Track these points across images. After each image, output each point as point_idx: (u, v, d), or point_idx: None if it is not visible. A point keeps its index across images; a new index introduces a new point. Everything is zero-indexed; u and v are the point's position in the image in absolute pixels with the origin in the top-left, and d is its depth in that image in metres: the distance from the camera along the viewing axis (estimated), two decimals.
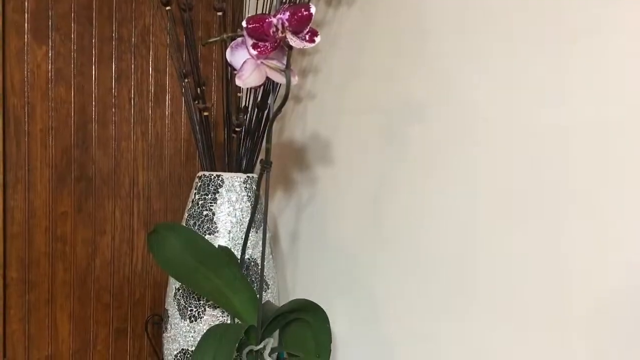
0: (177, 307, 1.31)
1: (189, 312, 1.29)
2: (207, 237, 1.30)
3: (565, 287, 1.21)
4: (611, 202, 1.16)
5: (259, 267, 1.31)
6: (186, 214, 1.35)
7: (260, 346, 1.16)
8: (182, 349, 1.30)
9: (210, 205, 1.31)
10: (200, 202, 1.32)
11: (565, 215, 1.21)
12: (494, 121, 1.31)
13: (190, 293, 1.29)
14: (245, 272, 1.30)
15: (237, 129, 1.36)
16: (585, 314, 1.19)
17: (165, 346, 1.34)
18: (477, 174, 1.33)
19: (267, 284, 1.35)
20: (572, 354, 1.21)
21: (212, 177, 1.32)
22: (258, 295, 1.17)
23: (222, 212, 1.31)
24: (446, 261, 1.38)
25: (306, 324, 1.26)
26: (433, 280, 1.40)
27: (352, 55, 1.56)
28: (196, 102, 1.37)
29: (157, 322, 1.61)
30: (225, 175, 1.33)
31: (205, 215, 1.31)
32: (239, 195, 1.32)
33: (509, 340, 1.29)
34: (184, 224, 1.34)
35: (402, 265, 1.45)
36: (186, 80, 1.39)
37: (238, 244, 1.30)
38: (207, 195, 1.32)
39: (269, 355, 1.16)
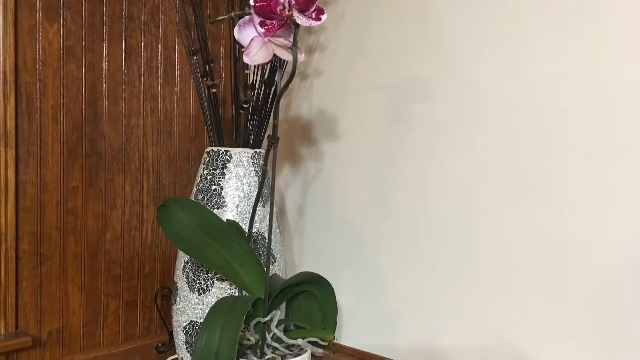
0: (186, 280, 1.33)
1: (197, 285, 1.32)
2: (215, 211, 1.31)
3: (566, 262, 1.24)
4: (610, 178, 1.18)
5: (267, 240, 1.33)
6: (195, 189, 1.37)
7: (268, 318, 1.18)
8: (191, 321, 1.32)
9: (219, 180, 1.33)
10: (209, 177, 1.34)
11: (565, 191, 1.23)
12: (496, 98, 1.32)
13: (199, 266, 1.31)
14: (253, 246, 1.32)
15: (245, 106, 1.38)
16: (585, 287, 1.21)
17: (175, 318, 1.36)
18: (479, 149, 1.35)
19: (274, 258, 1.37)
20: (572, 326, 1.24)
21: (221, 152, 1.34)
22: (265, 269, 1.19)
23: (230, 187, 1.33)
24: (450, 236, 1.40)
25: (313, 296, 1.28)
26: (436, 255, 1.43)
27: (357, 34, 1.57)
28: (205, 79, 1.39)
29: (167, 295, 1.62)
30: (234, 151, 1.35)
31: (214, 190, 1.33)
32: (246, 170, 1.34)
33: (510, 314, 1.32)
34: (193, 199, 1.36)
35: (406, 240, 1.48)
36: (195, 57, 1.40)
37: (246, 218, 1.32)
38: (216, 170, 1.33)
39: (276, 327, 1.18)
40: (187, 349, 1.33)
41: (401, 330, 1.51)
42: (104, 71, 1.49)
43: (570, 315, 1.24)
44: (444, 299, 1.42)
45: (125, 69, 1.53)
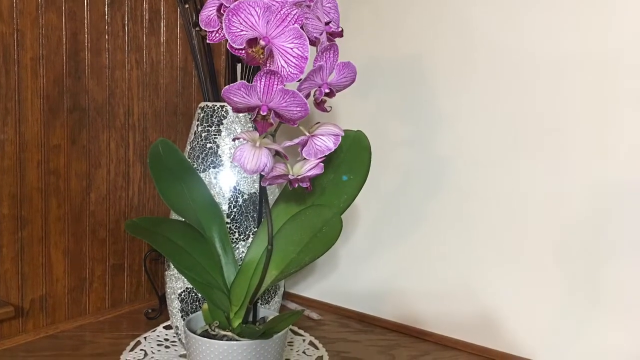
0: None
1: None
2: (211, 170, 1.24)
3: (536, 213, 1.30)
4: (610, 137, 1.20)
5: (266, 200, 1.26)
6: (188, 147, 1.29)
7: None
8: (187, 288, 1.25)
9: (215, 138, 1.25)
10: (203, 135, 1.26)
11: (566, 151, 1.26)
12: (496, 49, 1.33)
13: None
14: (251, 206, 1.26)
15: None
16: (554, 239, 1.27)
17: (168, 284, 1.29)
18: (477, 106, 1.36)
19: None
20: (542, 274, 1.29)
21: (216, 108, 1.26)
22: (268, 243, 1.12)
23: (226, 144, 1.25)
24: (448, 193, 1.43)
25: None
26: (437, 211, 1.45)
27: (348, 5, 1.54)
28: (197, 28, 1.30)
29: (155, 258, 1.56)
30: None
31: (210, 148, 1.25)
32: (243, 127, 1.26)
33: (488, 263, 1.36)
34: (187, 157, 1.28)
35: (410, 200, 1.48)
36: (186, 5, 1.32)
37: (244, 177, 1.25)
38: (211, 127, 1.25)
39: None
40: (182, 316, 1.26)
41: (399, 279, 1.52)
42: (86, 20, 1.39)
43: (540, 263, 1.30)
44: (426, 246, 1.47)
45: (108, 17, 1.44)
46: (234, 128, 1.25)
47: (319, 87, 0.89)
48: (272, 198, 1.24)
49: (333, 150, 0.89)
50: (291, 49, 0.83)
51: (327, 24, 0.92)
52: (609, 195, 1.20)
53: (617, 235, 1.20)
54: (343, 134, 0.90)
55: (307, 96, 0.89)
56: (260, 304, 1.25)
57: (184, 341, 1.26)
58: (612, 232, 1.20)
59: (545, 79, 1.25)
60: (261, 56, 0.84)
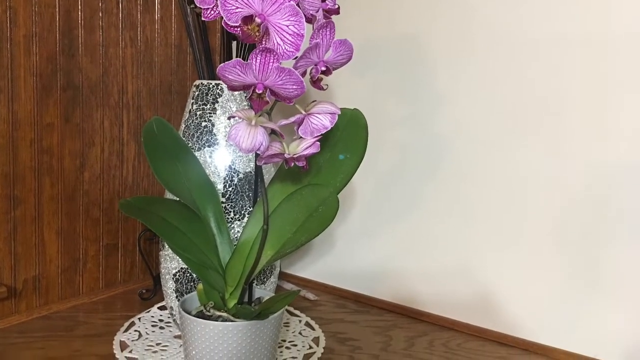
0: None
1: None
2: (206, 149, 1.23)
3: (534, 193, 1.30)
4: (608, 120, 1.20)
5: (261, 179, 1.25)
6: (183, 125, 1.27)
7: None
8: (182, 268, 1.24)
9: (210, 116, 1.23)
10: (198, 113, 1.24)
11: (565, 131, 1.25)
12: (496, 30, 1.32)
13: None
14: (247, 186, 1.24)
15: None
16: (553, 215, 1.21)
17: (163, 264, 1.28)
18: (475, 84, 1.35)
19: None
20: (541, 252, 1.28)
21: (211, 86, 1.25)
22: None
23: (222, 122, 1.23)
24: (447, 173, 1.42)
25: None
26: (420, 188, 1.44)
27: None
28: (192, 5, 1.28)
29: (150, 238, 1.55)
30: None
31: (205, 127, 1.23)
32: (239, 105, 1.25)
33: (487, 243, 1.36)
34: (181, 135, 1.26)
35: (416, 175, 1.47)
36: None
37: (240, 156, 1.24)
38: (206, 105, 1.24)
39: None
40: (176, 297, 1.25)
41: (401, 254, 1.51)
42: None
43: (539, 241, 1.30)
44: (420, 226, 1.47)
45: None
46: (229, 106, 1.23)
47: (315, 65, 0.88)
48: (267, 177, 1.23)
49: (329, 128, 0.88)
50: (287, 26, 0.82)
51: (323, 1, 0.91)
52: (608, 177, 1.19)
53: (617, 217, 1.19)
54: (339, 113, 0.88)
55: (303, 74, 0.87)
56: (256, 285, 1.24)
57: (178, 322, 1.25)
58: (612, 214, 1.19)
59: (545, 60, 1.24)
60: (257, 34, 0.82)
